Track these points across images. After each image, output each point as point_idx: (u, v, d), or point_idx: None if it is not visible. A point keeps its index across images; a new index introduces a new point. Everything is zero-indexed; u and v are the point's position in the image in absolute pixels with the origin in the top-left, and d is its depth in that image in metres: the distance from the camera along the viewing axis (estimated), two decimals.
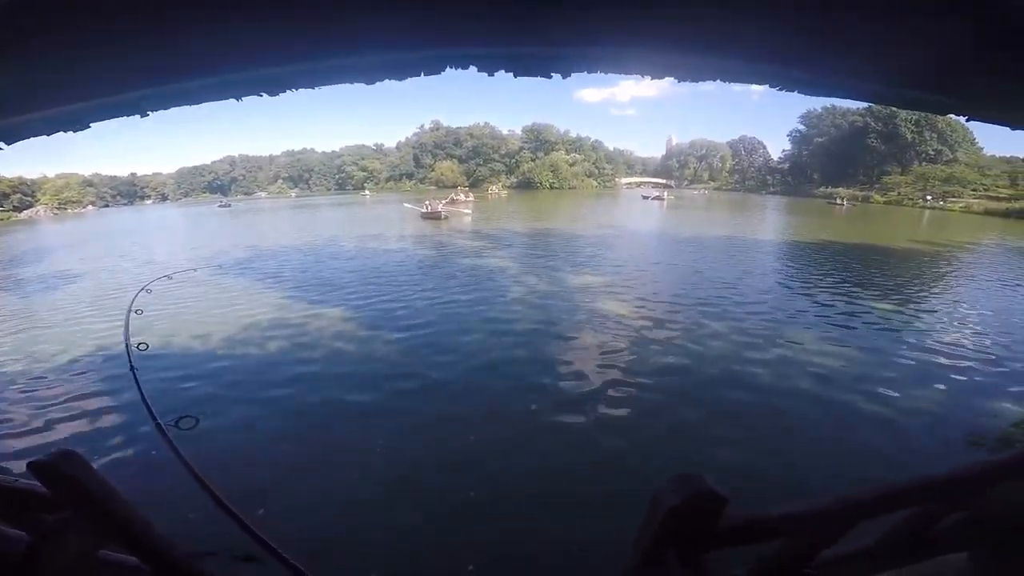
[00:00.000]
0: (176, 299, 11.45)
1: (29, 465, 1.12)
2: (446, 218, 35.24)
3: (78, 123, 1.04)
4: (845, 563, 1.64)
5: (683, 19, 1.14)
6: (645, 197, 62.51)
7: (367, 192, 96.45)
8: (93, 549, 1.18)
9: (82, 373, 7.72)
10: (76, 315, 11.52)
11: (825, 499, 1.30)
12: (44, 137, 1.07)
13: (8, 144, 1.05)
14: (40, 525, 1.33)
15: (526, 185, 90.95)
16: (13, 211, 71.46)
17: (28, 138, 1.07)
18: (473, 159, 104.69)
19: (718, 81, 1.37)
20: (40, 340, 9.72)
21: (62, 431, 5.83)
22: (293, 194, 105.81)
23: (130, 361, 1.38)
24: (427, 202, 39.57)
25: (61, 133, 1.08)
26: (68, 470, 1.06)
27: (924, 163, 63.92)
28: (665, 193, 66.16)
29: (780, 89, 1.37)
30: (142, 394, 1.15)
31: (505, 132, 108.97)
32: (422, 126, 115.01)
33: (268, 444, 5.38)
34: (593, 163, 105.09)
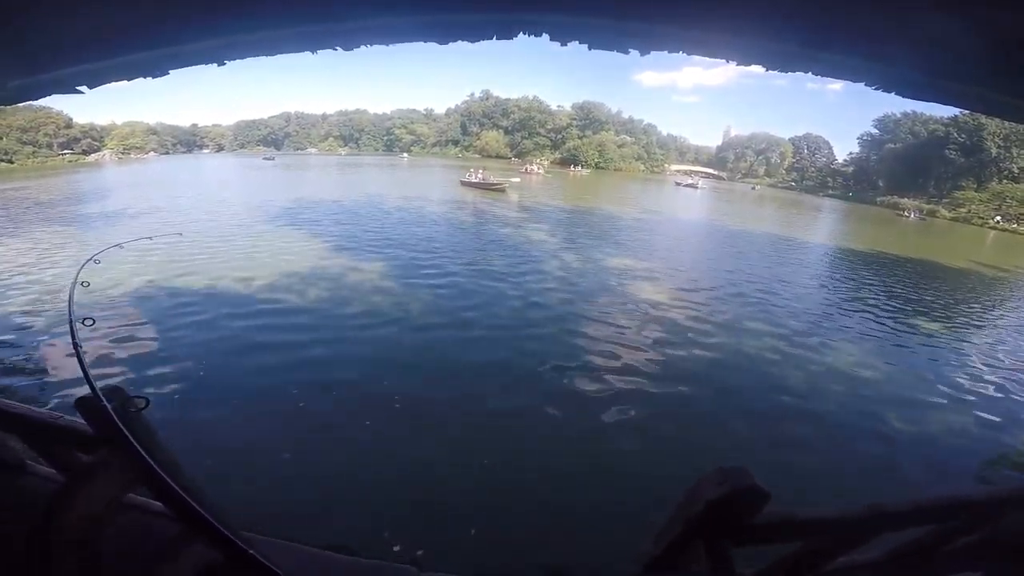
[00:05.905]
0: (129, 270, 10.44)
1: (76, 401, 1.16)
2: (503, 189, 34.50)
3: (158, 70, 1.05)
4: (854, 573, 1.58)
5: (784, 5, 1.05)
6: (678, 184, 64.62)
7: (405, 155, 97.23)
8: (122, 491, 1.21)
9: (23, 347, 6.98)
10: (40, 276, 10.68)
11: (856, 507, 1.26)
12: (124, 84, 1.09)
13: (91, 88, 1.08)
14: (75, 463, 1.40)
15: (571, 162, 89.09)
16: (82, 154, 76.34)
17: (109, 83, 1.09)
18: (519, 131, 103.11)
19: (809, 73, 1.28)
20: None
21: None
22: (343, 152, 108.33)
23: (73, 338, 1.36)
24: (471, 170, 39.07)
25: (140, 79, 1.09)
26: (113, 406, 1.12)
27: (1006, 181, 58.51)
28: (700, 181, 67.75)
29: (876, 88, 1.27)
30: (85, 373, 1.12)
31: (554, 107, 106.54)
32: (472, 94, 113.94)
33: (231, 428, 5.00)
34: (643, 147, 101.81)
